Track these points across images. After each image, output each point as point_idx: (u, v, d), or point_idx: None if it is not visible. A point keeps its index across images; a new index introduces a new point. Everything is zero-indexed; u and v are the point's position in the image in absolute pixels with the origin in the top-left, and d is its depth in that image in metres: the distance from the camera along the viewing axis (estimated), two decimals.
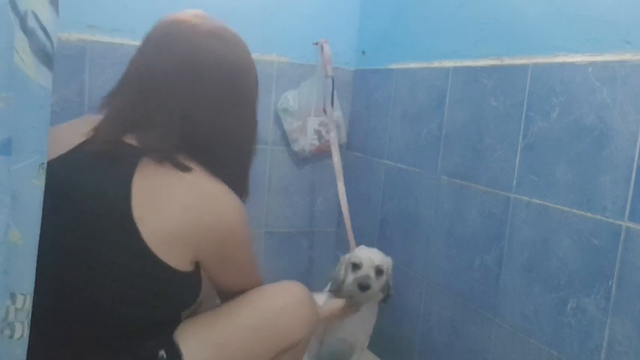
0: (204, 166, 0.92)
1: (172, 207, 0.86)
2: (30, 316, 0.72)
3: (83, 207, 0.86)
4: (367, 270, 1.34)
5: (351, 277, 1.35)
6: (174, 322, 0.97)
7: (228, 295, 1.04)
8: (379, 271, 1.36)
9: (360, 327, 1.48)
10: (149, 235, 0.84)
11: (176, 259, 0.86)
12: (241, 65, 0.97)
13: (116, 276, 0.85)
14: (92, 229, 0.85)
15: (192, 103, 0.91)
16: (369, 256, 1.37)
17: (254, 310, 1.02)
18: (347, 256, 1.41)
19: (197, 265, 0.92)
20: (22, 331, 0.71)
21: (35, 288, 0.72)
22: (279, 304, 1.05)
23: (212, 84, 0.93)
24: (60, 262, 0.84)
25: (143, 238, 0.83)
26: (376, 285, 1.35)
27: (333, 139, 1.70)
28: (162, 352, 0.91)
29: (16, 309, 0.70)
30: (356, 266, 1.36)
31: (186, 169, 0.88)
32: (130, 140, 0.90)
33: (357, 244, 1.72)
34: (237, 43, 0.98)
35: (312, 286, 1.62)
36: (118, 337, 0.89)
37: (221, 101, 0.94)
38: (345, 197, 1.65)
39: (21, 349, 0.72)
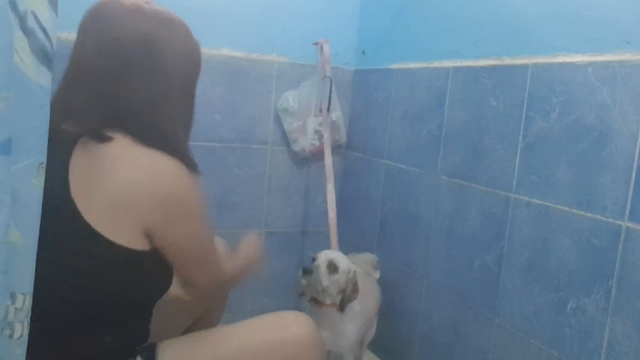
0: (142, 142, 0.89)
1: (108, 181, 0.85)
2: (30, 315, 0.72)
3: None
4: (319, 262, 1.37)
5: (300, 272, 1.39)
6: (141, 310, 0.94)
7: (185, 276, 0.98)
8: (333, 267, 1.37)
9: (341, 337, 1.44)
10: (89, 213, 0.83)
11: (124, 235, 0.85)
12: (163, 40, 0.93)
13: (70, 263, 0.84)
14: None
15: (116, 81, 0.90)
16: (328, 254, 1.41)
17: (244, 340, 0.97)
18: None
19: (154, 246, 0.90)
20: (21, 330, 0.71)
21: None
22: (275, 339, 0.97)
23: (134, 60, 0.91)
24: None
25: (84, 218, 0.83)
26: (325, 278, 1.35)
27: (327, 140, 1.70)
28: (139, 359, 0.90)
29: (15, 309, 0.70)
30: (313, 260, 1.40)
31: (120, 144, 0.87)
32: (68, 126, 0.89)
33: (357, 244, 1.73)
34: (163, 20, 0.95)
35: None
36: (83, 326, 0.88)
37: (144, 76, 0.92)
38: (334, 200, 1.66)
39: (21, 349, 0.72)
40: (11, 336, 0.70)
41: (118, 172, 0.86)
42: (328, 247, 1.63)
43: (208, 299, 1.10)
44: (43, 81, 0.68)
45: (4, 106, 0.63)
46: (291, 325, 0.98)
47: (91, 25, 0.96)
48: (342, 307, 1.39)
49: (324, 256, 1.39)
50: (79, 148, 0.87)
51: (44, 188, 0.81)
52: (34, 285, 0.80)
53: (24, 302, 0.71)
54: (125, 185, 0.85)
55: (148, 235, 0.88)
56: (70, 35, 1.03)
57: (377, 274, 1.65)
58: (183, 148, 0.97)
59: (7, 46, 0.63)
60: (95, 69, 0.91)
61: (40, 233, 0.80)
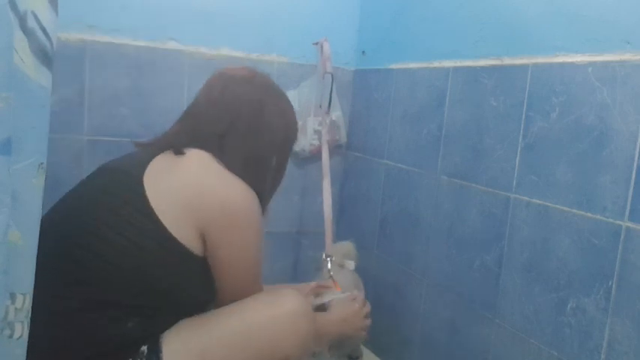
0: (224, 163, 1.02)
1: (178, 177, 0.96)
2: (30, 315, 0.72)
3: (109, 176, 1.03)
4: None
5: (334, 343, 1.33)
6: (170, 313, 0.97)
7: (224, 294, 1.03)
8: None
9: None
10: (153, 195, 0.92)
11: (182, 231, 0.92)
12: (271, 107, 1.11)
13: (123, 231, 0.92)
14: (108, 190, 0.98)
15: (225, 129, 1.06)
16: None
17: (244, 318, 1.00)
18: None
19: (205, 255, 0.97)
20: (21, 330, 0.71)
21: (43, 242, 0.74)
22: (272, 313, 1.02)
23: (245, 117, 1.08)
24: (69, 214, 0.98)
25: (147, 196, 0.92)
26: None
27: (324, 136, 1.70)
28: (144, 348, 0.92)
29: (15, 309, 0.70)
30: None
31: (200, 155, 1.00)
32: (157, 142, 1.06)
33: (357, 244, 1.72)
34: (273, 91, 1.15)
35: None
36: (119, 302, 0.92)
37: (249, 132, 1.08)
38: (330, 195, 1.66)
39: (21, 349, 0.72)
40: (11, 336, 0.70)
41: (191, 174, 0.97)
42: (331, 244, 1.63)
43: None
44: (43, 81, 0.68)
45: (4, 106, 0.63)
46: (286, 301, 1.04)
47: (215, 84, 1.13)
48: None
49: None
50: (160, 156, 1.00)
51: (123, 167, 1.01)
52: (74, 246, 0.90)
53: (24, 302, 0.71)
54: (195, 185, 0.94)
55: (203, 239, 0.95)
56: (70, 35, 1.04)
57: (351, 265, 1.61)
58: (263, 197, 1.07)
59: (7, 46, 0.63)
60: (208, 118, 1.07)
61: (106, 193, 0.97)
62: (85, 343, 0.91)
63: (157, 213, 0.91)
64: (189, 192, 0.94)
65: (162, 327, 0.97)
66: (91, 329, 0.91)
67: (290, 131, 1.18)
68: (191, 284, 0.98)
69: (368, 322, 1.33)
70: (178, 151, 0.99)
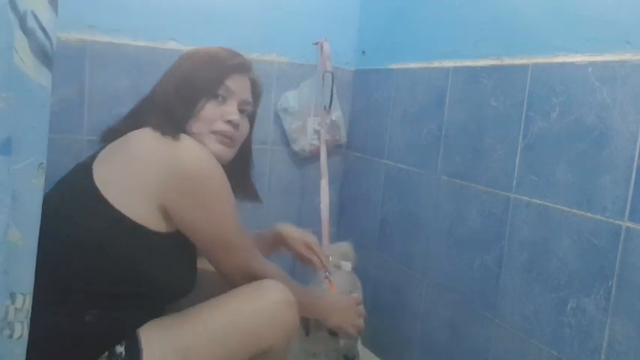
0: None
1: (124, 156, 0.93)
2: (29, 315, 0.72)
3: (72, 170, 1.00)
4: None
5: (328, 344, 1.31)
6: (145, 299, 0.95)
7: (217, 261, 1.03)
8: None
9: None
10: (101, 177, 0.91)
11: (139, 210, 0.89)
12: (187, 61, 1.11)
13: (77, 217, 0.90)
14: (64, 196, 0.95)
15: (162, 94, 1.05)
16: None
17: (226, 311, 0.99)
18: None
19: (177, 232, 0.94)
20: (21, 330, 0.71)
21: None
22: (254, 305, 1.00)
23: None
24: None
25: (96, 184, 0.90)
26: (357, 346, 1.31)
27: (323, 136, 1.70)
28: (121, 349, 0.90)
29: (15, 309, 0.70)
30: (333, 334, 1.31)
31: (144, 130, 0.96)
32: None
33: (357, 244, 1.73)
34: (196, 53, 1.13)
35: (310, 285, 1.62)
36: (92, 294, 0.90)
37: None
38: (328, 195, 1.66)
39: (21, 349, 0.72)
40: (11, 336, 0.70)
41: (135, 147, 0.93)
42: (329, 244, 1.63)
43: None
44: (43, 81, 0.68)
45: (4, 106, 0.63)
46: (268, 292, 1.02)
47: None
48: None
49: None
50: (116, 141, 0.98)
51: (75, 169, 0.95)
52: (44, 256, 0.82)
53: (24, 302, 0.71)
54: (141, 157, 0.91)
55: (165, 213, 0.92)
56: (70, 35, 1.04)
57: (348, 266, 1.59)
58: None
59: (7, 46, 0.63)
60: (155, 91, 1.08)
61: (62, 202, 0.92)
62: (45, 337, 0.85)
63: (104, 194, 0.89)
64: (137, 167, 0.91)
65: (129, 321, 0.94)
66: (51, 322, 0.88)
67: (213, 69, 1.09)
68: (152, 264, 0.94)
69: (360, 320, 1.31)
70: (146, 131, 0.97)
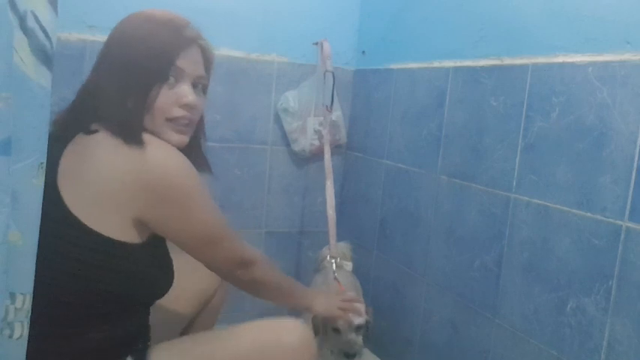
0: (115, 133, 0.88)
1: (92, 171, 0.85)
2: (29, 315, 0.72)
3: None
4: (349, 335, 1.25)
5: (333, 342, 1.28)
6: (133, 309, 0.92)
7: (209, 267, 0.98)
8: (359, 329, 1.27)
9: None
10: (75, 204, 0.83)
11: (111, 226, 0.84)
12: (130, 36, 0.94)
13: (55, 255, 0.83)
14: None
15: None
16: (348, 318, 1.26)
17: (240, 344, 0.95)
18: (320, 318, 1.28)
19: (152, 238, 0.89)
20: (21, 330, 0.71)
21: None
22: (269, 343, 0.96)
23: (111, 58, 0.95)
24: None
25: (69, 209, 0.83)
26: (360, 342, 1.27)
27: (326, 136, 1.70)
28: None
29: (15, 309, 0.70)
30: (336, 331, 1.27)
31: (103, 135, 0.87)
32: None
33: (357, 244, 1.73)
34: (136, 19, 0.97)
35: (310, 286, 1.62)
36: (64, 321, 0.86)
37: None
38: (333, 196, 1.65)
39: (20, 349, 0.72)
40: (11, 336, 0.70)
41: (100, 162, 0.85)
42: (327, 244, 1.63)
43: (240, 283, 1.04)
44: (43, 81, 0.67)
45: (3, 106, 0.63)
46: (285, 331, 0.98)
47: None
48: (366, 339, 1.36)
49: (347, 325, 1.26)
50: (73, 142, 0.89)
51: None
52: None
53: (24, 302, 0.71)
54: (107, 173, 0.83)
55: (142, 224, 0.87)
56: (70, 35, 1.03)
57: (348, 266, 1.59)
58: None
59: (6, 46, 0.63)
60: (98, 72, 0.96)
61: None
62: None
63: (84, 222, 0.83)
64: (106, 184, 0.84)
65: (128, 331, 0.92)
66: (48, 347, 0.85)
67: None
68: (139, 275, 0.90)
69: (347, 305, 1.25)
70: (87, 131, 0.88)
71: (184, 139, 0.96)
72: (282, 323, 1.00)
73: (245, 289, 1.05)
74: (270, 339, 0.97)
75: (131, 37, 0.93)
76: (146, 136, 0.87)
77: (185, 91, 0.93)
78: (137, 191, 0.84)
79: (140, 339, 0.96)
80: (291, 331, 0.98)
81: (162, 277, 0.95)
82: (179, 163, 0.88)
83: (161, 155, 0.87)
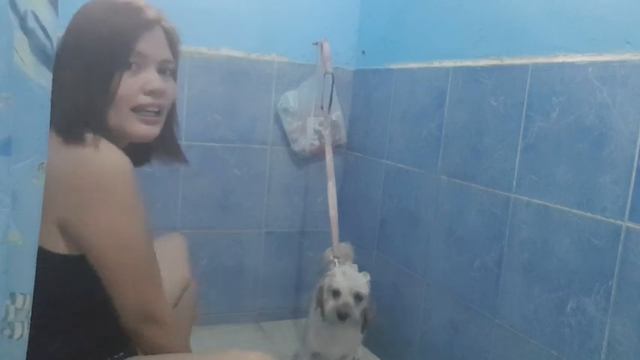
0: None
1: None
2: (30, 315, 0.72)
3: None
4: (346, 297, 1.33)
5: (330, 304, 1.34)
6: (87, 319, 0.85)
7: (109, 280, 0.83)
8: (358, 297, 1.35)
9: (351, 341, 1.48)
10: None
11: (48, 235, 0.76)
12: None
13: None
14: None
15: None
16: (349, 283, 1.35)
17: None
18: (327, 280, 1.38)
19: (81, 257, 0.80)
20: (21, 331, 0.71)
21: None
22: None
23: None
24: None
25: None
26: (355, 311, 1.33)
27: (327, 137, 1.70)
28: None
29: (15, 309, 0.70)
30: (336, 293, 1.35)
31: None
32: None
33: (357, 244, 1.73)
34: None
35: (312, 286, 1.63)
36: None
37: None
38: (335, 197, 1.65)
39: (20, 349, 0.72)
40: (11, 336, 0.70)
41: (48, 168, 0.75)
42: (329, 246, 1.63)
43: (141, 339, 0.90)
44: (43, 81, 0.67)
45: (4, 106, 0.63)
46: None
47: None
48: (363, 329, 1.41)
49: (347, 289, 1.34)
50: None
51: None
52: None
53: (24, 302, 0.70)
54: (48, 181, 0.72)
55: (65, 233, 0.78)
56: None
57: (355, 267, 1.58)
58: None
59: (7, 46, 0.63)
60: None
61: None
62: None
63: None
64: (46, 192, 0.73)
65: (88, 341, 0.86)
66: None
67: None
68: (80, 285, 0.82)
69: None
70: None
71: (154, 129, 0.88)
72: (249, 356, 0.91)
73: (144, 348, 0.93)
74: None
75: (86, 23, 0.84)
76: (89, 136, 0.79)
77: (150, 77, 0.85)
78: (64, 191, 0.76)
79: (100, 349, 0.89)
80: None
81: (98, 291, 0.84)
82: (117, 166, 0.78)
83: (100, 155, 0.77)
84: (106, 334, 0.88)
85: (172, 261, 0.95)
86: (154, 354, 0.91)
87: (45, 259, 0.74)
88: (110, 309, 0.84)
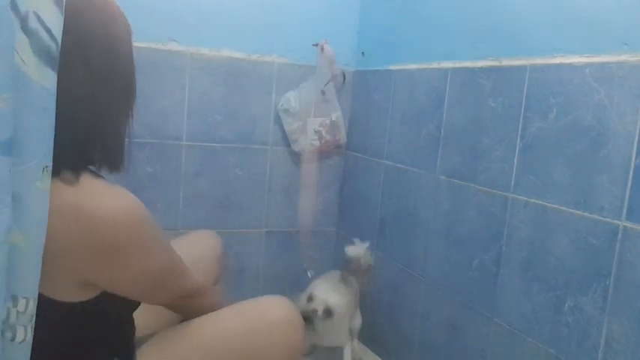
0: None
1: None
2: (34, 320, 0.71)
3: None
4: (317, 306, 1.41)
5: (301, 305, 1.41)
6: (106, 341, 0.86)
7: (176, 309, 0.94)
8: (328, 312, 1.41)
9: (337, 337, 1.53)
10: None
11: (56, 288, 0.74)
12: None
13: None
14: None
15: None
16: (326, 297, 1.43)
17: (225, 327, 0.93)
18: (308, 290, 1.48)
19: (99, 296, 0.79)
20: (24, 334, 0.70)
21: None
22: (254, 322, 0.94)
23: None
24: None
25: None
26: (319, 323, 1.39)
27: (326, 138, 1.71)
28: None
29: (17, 312, 0.69)
30: (310, 298, 1.44)
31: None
32: None
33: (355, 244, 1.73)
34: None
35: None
36: None
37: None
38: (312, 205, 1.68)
39: (23, 353, 0.71)
40: (13, 339, 0.69)
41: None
42: (329, 246, 1.64)
43: (188, 310, 0.97)
44: (46, 83, 0.66)
45: (4, 106, 0.62)
46: (269, 309, 0.97)
47: None
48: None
49: (322, 301, 1.41)
50: None
51: None
52: None
53: (27, 306, 0.69)
54: (53, 234, 0.69)
55: (90, 285, 0.77)
56: None
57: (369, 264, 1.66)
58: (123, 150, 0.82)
59: (7, 47, 0.62)
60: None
61: None
62: None
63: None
64: (49, 250, 0.70)
65: (106, 345, 0.87)
66: None
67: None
68: (77, 331, 0.81)
69: None
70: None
71: None
72: (266, 300, 0.99)
73: (189, 316, 0.98)
74: (257, 317, 0.96)
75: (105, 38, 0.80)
76: (86, 179, 0.74)
77: None
78: (85, 254, 0.73)
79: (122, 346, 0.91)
80: (276, 307, 0.98)
81: (112, 336, 0.86)
82: (129, 215, 0.75)
83: (108, 209, 0.72)
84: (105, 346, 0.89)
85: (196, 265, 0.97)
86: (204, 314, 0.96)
87: (58, 309, 0.75)
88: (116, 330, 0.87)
